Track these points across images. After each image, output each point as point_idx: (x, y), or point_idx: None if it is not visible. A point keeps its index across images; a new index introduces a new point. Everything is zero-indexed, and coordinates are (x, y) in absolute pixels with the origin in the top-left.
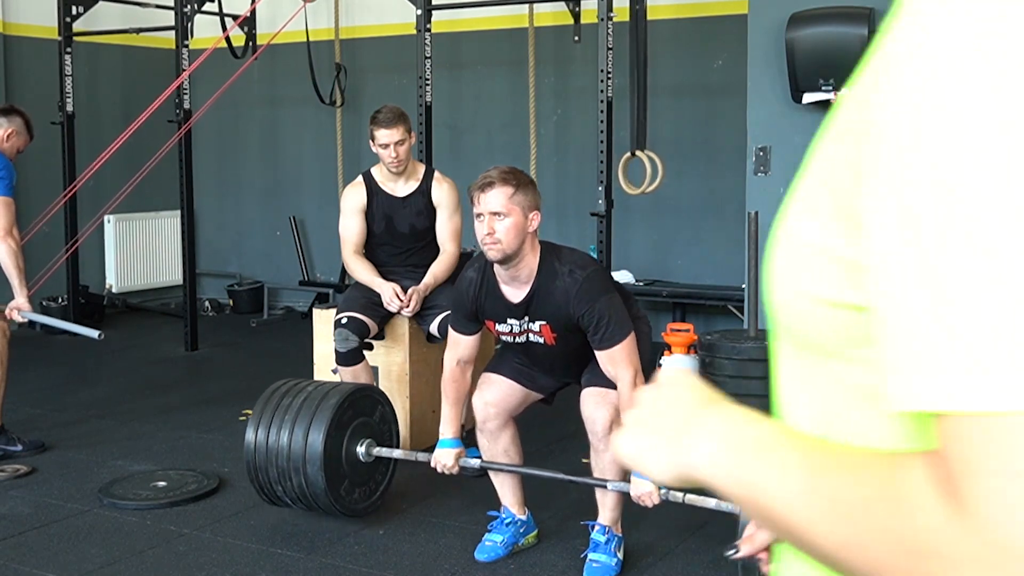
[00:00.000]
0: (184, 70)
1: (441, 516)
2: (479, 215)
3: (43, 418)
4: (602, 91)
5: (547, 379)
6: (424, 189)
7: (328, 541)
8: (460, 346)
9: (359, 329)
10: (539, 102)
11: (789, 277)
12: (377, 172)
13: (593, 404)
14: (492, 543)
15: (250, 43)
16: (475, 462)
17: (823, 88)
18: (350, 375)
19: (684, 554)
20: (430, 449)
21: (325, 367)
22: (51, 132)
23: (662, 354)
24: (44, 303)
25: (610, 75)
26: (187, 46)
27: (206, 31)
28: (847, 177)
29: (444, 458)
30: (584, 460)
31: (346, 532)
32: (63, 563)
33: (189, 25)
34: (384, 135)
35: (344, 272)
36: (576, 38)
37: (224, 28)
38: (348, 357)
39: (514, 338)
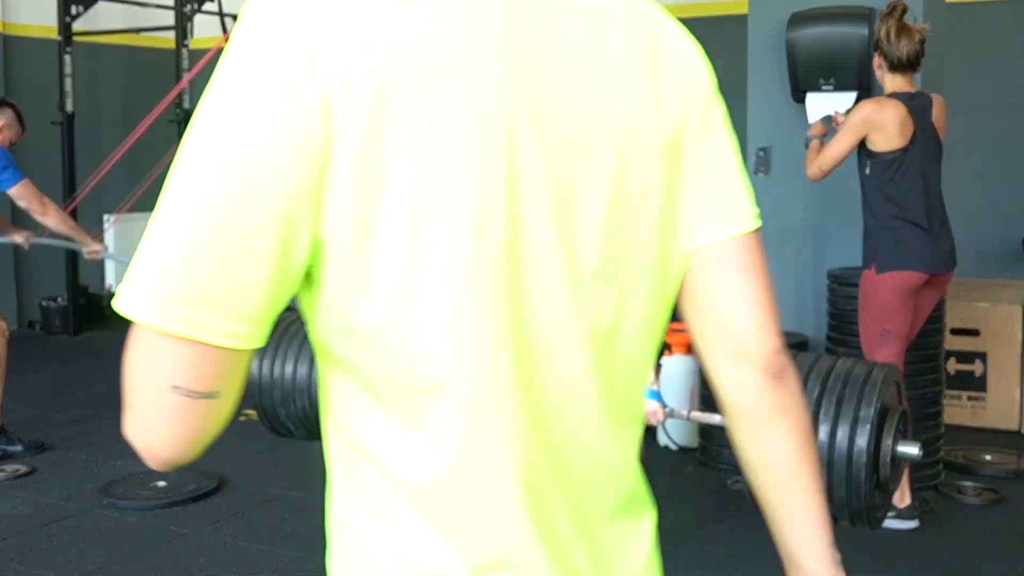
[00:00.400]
0: (184, 70)
1: None
2: None
3: (43, 418)
4: None
5: None
6: None
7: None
8: None
9: None
10: None
11: None
12: None
13: None
14: None
15: None
16: None
17: (823, 88)
18: None
19: (684, 555)
20: None
21: None
22: (51, 132)
23: (662, 354)
24: (44, 303)
25: None
26: (187, 46)
27: (206, 31)
28: None
29: None
30: None
31: None
32: (63, 563)
33: (189, 25)
34: None
35: None
36: None
37: (224, 28)
38: None
39: None
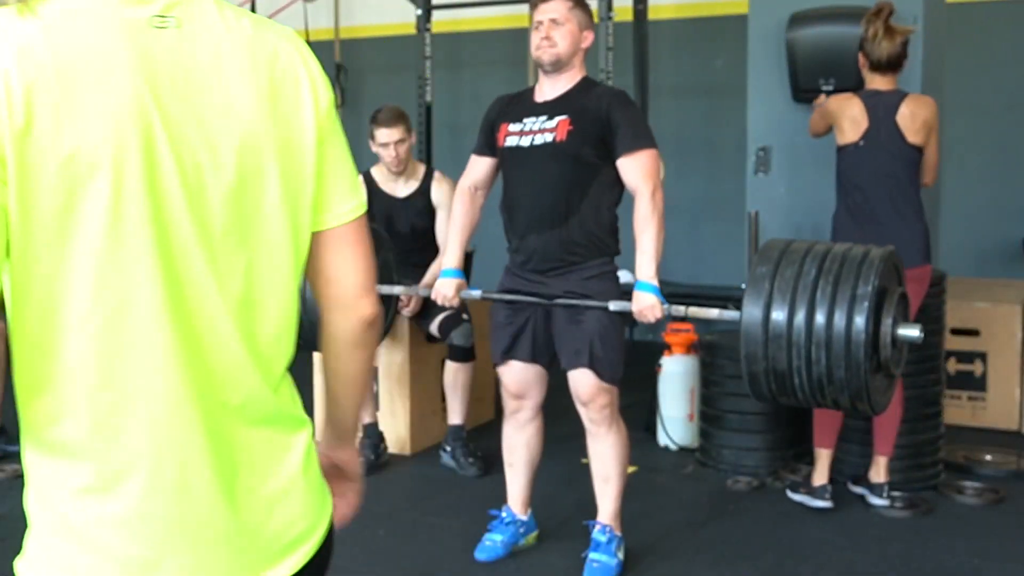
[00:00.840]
0: None
1: (441, 516)
2: (537, 24)
3: None
4: None
5: (536, 285)
6: (424, 189)
7: None
8: (474, 167)
9: None
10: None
11: None
12: (377, 172)
13: (583, 381)
14: (492, 543)
15: None
16: (476, 292)
17: (823, 88)
18: None
19: (684, 554)
20: (433, 460)
21: None
22: None
23: (662, 354)
24: None
25: (610, 75)
26: None
27: None
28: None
29: (445, 288)
30: (584, 460)
31: (346, 532)
32: None
33: None
34: (384, 134)
35: None
36: None
37: None
38: None
39: (519, 139)
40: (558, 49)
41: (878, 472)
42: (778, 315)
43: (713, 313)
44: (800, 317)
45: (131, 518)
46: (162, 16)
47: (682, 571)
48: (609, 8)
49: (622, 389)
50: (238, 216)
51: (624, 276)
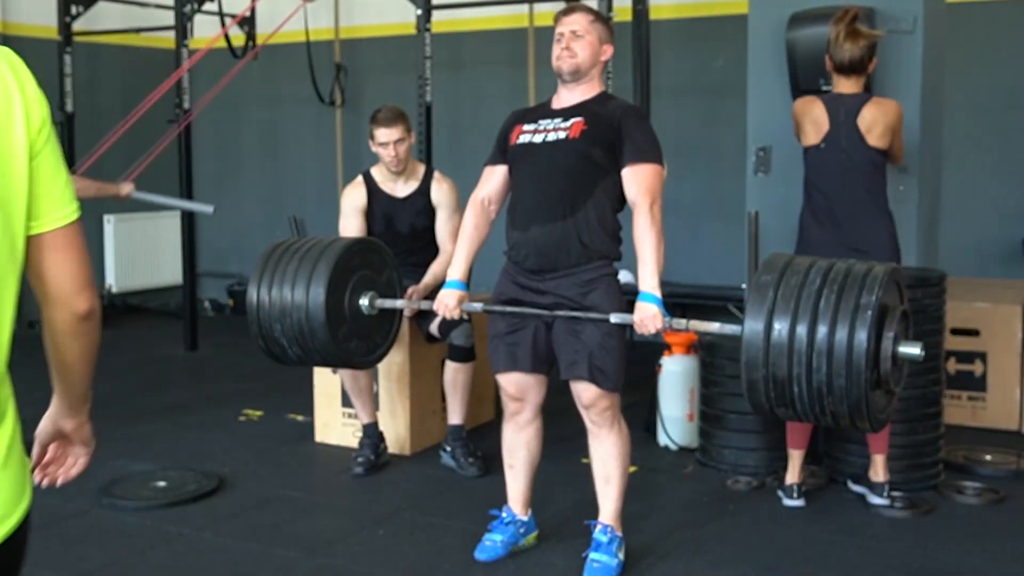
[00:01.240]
0: (182, 67)
1: (441, 516)
2: (559, 36)
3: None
4: None
5: (534, 291)
6: (424, 189)
7: (328, 541)
8: (489, 181)
9: None
10: (539, 102)
11: None
12: (377, 172)
13: (584, 383)
14: (492, 543)
15: (250, 42)
16: (477, 305)
17: (823, 88)
18: (350, 375)
19: (684, 555)
20: (433, 461)
21: (325, 367)
22: None
23: (662, 354)
24: None
25: (610, 75)
26: (187, 46)
27: (206, 31)
28: None
29: (447, 299)
30: (583, 460)
31: (346, 532)
32: (63, 563)
33: (189, 25)
34: (383, 134)
35: None
36: None
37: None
38: None
39: (532, 136)
40: (578, 60)
41: (876, 471)
42: (780, 323)
43: (714, 326)
44: (802, 325)
45: None
46: None
47: (682, 571)
48: (609, 8)
49: (622, 389)
50: None
51: (624, 276)
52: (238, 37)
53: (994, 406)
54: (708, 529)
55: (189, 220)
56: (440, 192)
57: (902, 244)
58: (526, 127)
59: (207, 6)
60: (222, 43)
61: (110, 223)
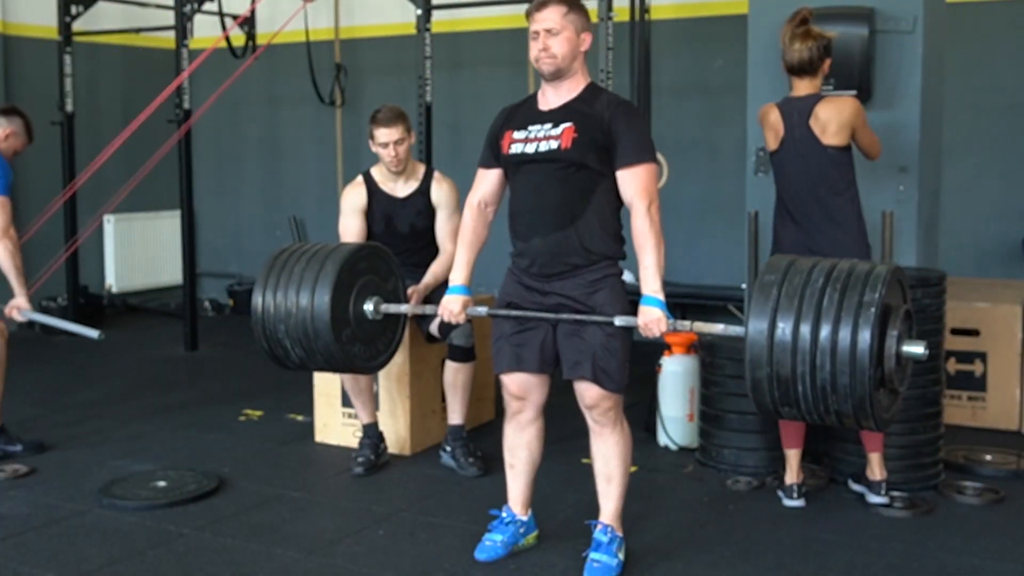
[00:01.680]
0: (184, 70)
1: (441, 516)
2: (534, 33)
3: (43, 418)
4: None
5: (539, 292)
6: (424, 189)
7: (328, 541)
8: (482, 182)
9: None
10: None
11: None
12: (377, 172)
13: (587, 383)
14: (492, 543)
15: (250, 43)
16: (481, 309)
17: (824, 88)
18: (350, 375)
19: (684, 555)
20: (433, 461)
21: None
22: (51, 132)
23: (662, 354)
24: (44, 303)
25: (610, 75)
26: (187, 46)
27: (206, 31)
28: None
29: (451, 304)
30: (584, 460)
31: (346, 532)
32: (63, 563)
33: (189, 25)
34: (383, 134)
35: None
36: None
37: (224, 28)
38: None
39: (524, 146)
40: (557, 59)
41: (873, 470)
42: (784, 321)
43: (718, 328)
44: (806, 324)
45: None
46: None
47: (682, 571)
48: (609, 8)
49: (625, 390)
50: None
51: (627, 277)
52: (238, 37)
53: (994, 406)
54: (708, 529)
55: (189, 220)
56: (440, 192)
57: (902, 244)
58: (516, 134)
59: (207, 6)
60: (223, 43)
61: (110, 223)
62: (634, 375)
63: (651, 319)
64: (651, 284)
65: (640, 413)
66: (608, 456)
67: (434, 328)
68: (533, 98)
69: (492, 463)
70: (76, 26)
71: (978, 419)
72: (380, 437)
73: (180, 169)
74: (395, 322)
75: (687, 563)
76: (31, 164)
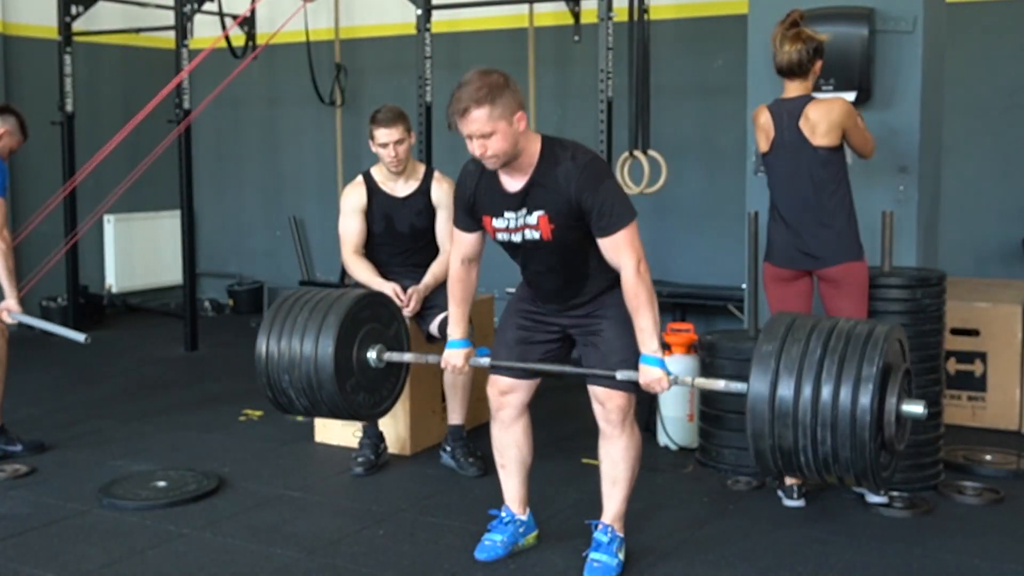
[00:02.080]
0: (183, 70)
1: (441, 516)
2: (468, 136)
3: (43, 418)
4: (602, 91)
5: (548, 327)
6: (424, 189)
7: (328, 541)
8: (463, 244)
9: None
10: (539, 102)
11: None
12: (377, 172)
13: (604, 394)
14: (492, 542)
15: (250, 43)
16: (484, 360)
17: (823, 88)
18: None
19: (684, 555)
20: (432, 462)
21: None
22: (51, 132)
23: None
24: (44, 303)
25: (610, 75)
26: (187, 46)
27: (206, 31)
28: None
29: (454, 358)
30: (584, 460)
31: (346, 532)
32: (63, 563)
33: (189, 25)
34: (383, 134)
35: (344, 272)
36: (576, 38)
37: (224, 28)
38: None
39: (510, 235)
40: (499, 158)
41: None
42: (784, 393)
43: (719, 384)
44: (805, 397)
45: None
46: None
47: (682, 571)
48: (609, 8)
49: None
50: None
51: None
52: (238, 37)
53: (994, 406)
54: (708, 529)
55: (189, 220)
56: (440, 192)
57: (902, 244)
58: (496, 222)
59: (207, 6)
60: (222, 43)
61: (110, 223)
62: None
63: (652, 379)
64: (649, 344)
65: (640, 413)
66: (616, 459)
67: (434, 328)
68: (494, 175)
69: (492, 463)
70: (76, 26)
71: (978, 419)
72: (380, 437)
73: (180, 169)
74: (398, 368)
75: (687, 563)
76: (31, 164)
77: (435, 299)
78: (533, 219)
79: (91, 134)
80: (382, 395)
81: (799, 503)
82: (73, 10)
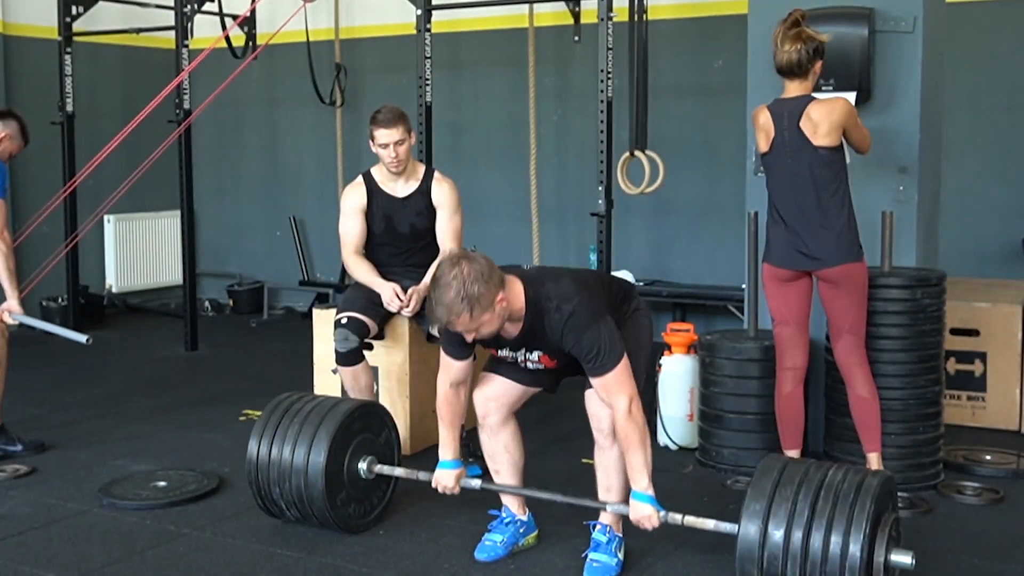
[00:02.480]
0: (184, 70)
1: (441, 516)
2: (466, 331)
3: (43, 418)
4: (602, 91)
5: (550, 378)
6: (424, 189)
7: (328, 541)
8: (453, 370)
9: (359, 329)
10: (539, 102)
11: None
12: (377, 172)
13: (599, 402)
14: (492, 543)
15: (250, 43)
16: (476, 482)
17: (823, 88)
18: (350, 375)
19: (684, 554)
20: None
21: (325, 367)
22: (51, 132)
23: (662, 354)
24: (44, 303)
25: (610, 75)
26: (187, 46)
27: (206, 31)
28: None
29: (445, 479)
30: (584, 460)
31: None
32: (63, 563)
33: (189, 25)
34: (383, 135)
35: (344, 272)
36: (576, 38)
37: (224, 28)
38: (348, 357)
39: (515, 360)
40: (493, 333)
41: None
42: (775, 540)
43: (709, 524)
44: (795, 545)
45: None
46: None
47: (682, 571)
48: (609, 8)
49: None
50: None
51: (626, 275)
52: (238, 37)
53: (994, 406)
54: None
55: (189, 220)
56: (440, 192)
57: (902, 244)
58: (500, 352)
59: (207, 6)
60: (222, 43)
61: (110, 223)
62: None
63: (642, 515)
64: (640, 483)
65: None
66: (609, 468)
67: (435, 328)
68: None
69: None
70: (76, 26)
71: (978, 419)
72: None
73: (180, 169)
74: (388, 476)
75: (687, 563)
76: (31, 164)
77: None
78: (535, 356)
79: (91, 134)
80: (372, 503)
81: None
82: (73, 10)
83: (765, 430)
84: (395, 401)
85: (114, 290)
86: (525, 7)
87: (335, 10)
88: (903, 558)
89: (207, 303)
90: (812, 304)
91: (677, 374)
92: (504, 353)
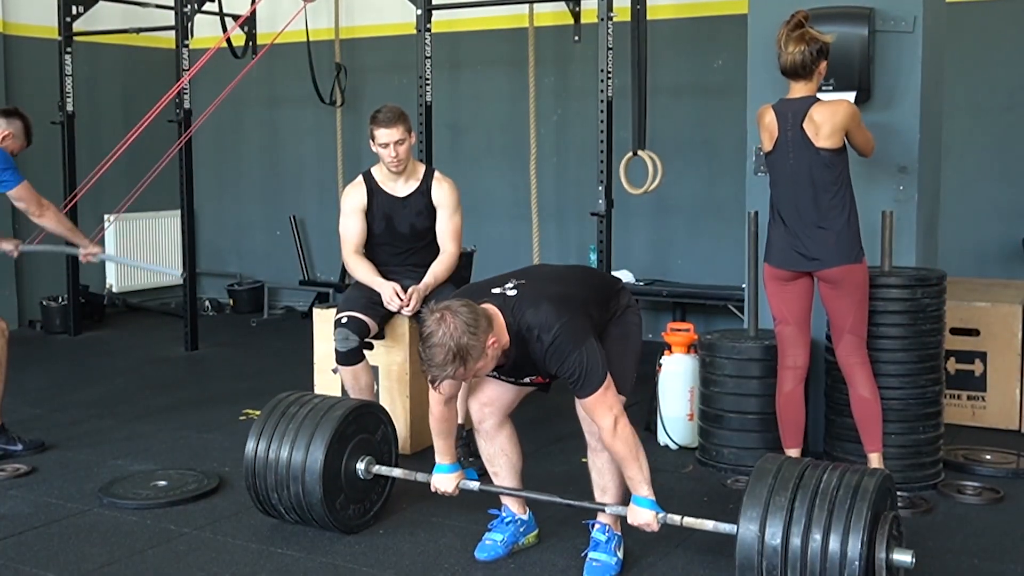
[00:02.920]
0: (184, 70)
1: (441, 515)
2: (463, 379)
3: (43, 418)
4: (602, 91)
5: (543, 383)
6: (424, 189)
7: (328, 541)
8: (443, 388)
9: (359, 328)
10: (539, 102)
11: None
12: (377, 172)
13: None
14: (492, 542)
15: (250, 43)
16: (474, 484)
17: (824, 88)
18: (350, 375)
19: (684, 554)
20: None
21: (325, 367)
22: (51, 132)
23: (662, 354)
24: (44, 302)
25: (610, 75)
26: (187, 46)
27: (206, 31)
28: None
29: (443, 484)
30: (583, 460)
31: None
32: (63, 563)
33: (189, 25)
34: (384, 135)
35: (344, 272)
36: (576, 38)
37: (224, 28)
38: (348, 356)
39: (513, 378)
40: (489, 369)
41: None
42: (772, 543)
43: (708, 525)
44: (794, 548)
45: None
46: None
47: (682, 571)
48: (609, 8)
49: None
50: None
51: (622, 276)
52: (238, 37)
53: (994, 406)
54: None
55: (189, 220)
56: (441, 192)
57: (902, 244)
58: (495, 373)
59: (207, 6)
60: (223, 43)
61: (111, 223)
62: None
63: (642, 521)
64: (640, 489)
65: (640, 413)
66: (603, 470)
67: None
68: None
69: None
70: (76, 26)
71: (978, 419)
72: None
73: (180, 169)
74: (384, 482)
75: (687, 563)
76: (32, 164)
77: (436, 298)
78: (527, 380)
79: (91, 134)
80: (371, 501)
81: None
82: (73, 10)
83: (765, 430)
84: (395, 400)
85: (114, 290)
86: (525, 7)
87: (335, 10)
88: (903, 557)
89: (207, 303)
90: (813, 304)
91: (677, 374)
92: (500, 378)
